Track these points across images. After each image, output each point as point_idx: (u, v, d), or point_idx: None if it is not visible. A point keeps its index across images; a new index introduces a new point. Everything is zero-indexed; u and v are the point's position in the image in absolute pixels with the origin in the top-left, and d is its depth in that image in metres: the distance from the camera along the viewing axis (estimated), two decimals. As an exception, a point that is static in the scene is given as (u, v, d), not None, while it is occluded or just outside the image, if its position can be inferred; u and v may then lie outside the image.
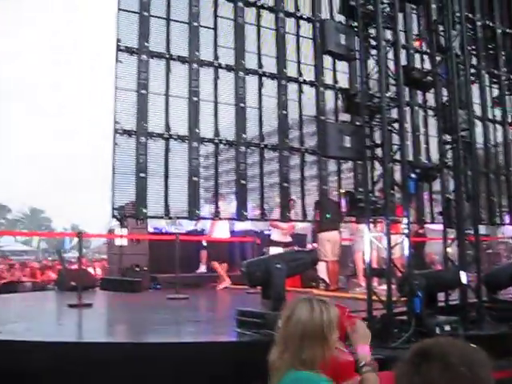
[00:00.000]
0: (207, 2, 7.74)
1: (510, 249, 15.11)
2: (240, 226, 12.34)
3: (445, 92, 8.13)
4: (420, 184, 8.16)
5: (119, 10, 7.10)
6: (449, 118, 7.76)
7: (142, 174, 6.88)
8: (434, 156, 8.79)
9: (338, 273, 10.83)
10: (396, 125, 6.85)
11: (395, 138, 6.86)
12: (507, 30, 10.37)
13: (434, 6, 8.07)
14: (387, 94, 6.88)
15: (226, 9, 7.85)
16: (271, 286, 6.14)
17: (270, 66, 7.94)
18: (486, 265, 11.87)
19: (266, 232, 11.90)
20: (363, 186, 6.93)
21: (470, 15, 9.60)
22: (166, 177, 7.08)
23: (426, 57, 9.22)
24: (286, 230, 11.00)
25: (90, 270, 15.29)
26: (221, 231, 11.09)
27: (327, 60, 8.20)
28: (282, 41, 8.10)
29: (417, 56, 9.29)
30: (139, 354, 5.15)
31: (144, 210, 6.93)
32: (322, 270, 10.44)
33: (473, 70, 9.34)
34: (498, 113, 10.37)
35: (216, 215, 7.47)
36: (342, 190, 7.86)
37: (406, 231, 6.63)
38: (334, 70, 8.39)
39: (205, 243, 11.52)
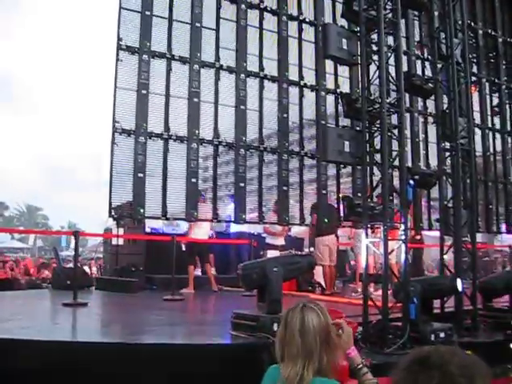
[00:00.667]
0: (210, 3, 7.74)
1: (507, 257, 15.11)
2: (236, 228, 12.29)
3: (445, 99, 8.14)
4: (418, 191, 8.17)
5: (121, 8, 7.10)
6: (448, 126, 7.77)
7: (141, 174, 6.88)
8: (433, 163, 8.80)
9: (335, 277, 10.82)
10: (396, 131, 6.84)
11: (395, 144, 6.85)
12: (508, 39, 10.40)
13: (436, 13, 8.09)
14: (388, 100, 6.88)
15: (229, 10, 7.86)
16: (267, 289, 6.11)
17: (272, 68, 7.95)
18: (481, 272, 11.89)
19: (264, 235, 11.87)
20: (362, 191, 6.94)
21: (472, 23, 9.64)
22: (165, 177, 7.07)
23: (427, 63, 9.24)
24: (278, 234, 10.98)
25: (86, 269, 15.24)
26: (199, 233, 10.83)
27: (329, 64, 8.20)
28: (284, 44, 8.11)
29: (418, 63, 9.31)
30: (133, 355, 5.13)
31: (141, 210, 6.92)
32: (318, 274, 10.43)
33: (473, 78, 9.36)
34: (497, 121, 10.40)
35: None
36: (341, 195, 7.86)
37: (404, 237, 6.62)
38: (336, 75, 8.40)
39: (183, 247, 11.22)
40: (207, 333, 6.65)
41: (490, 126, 10.21)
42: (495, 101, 10.50)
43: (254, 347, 5.18)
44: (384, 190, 6.61)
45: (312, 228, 10.51)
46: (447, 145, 7.91)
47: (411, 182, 6.77)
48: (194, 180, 7.07)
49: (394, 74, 7.21)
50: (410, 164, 8.20)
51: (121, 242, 12.49)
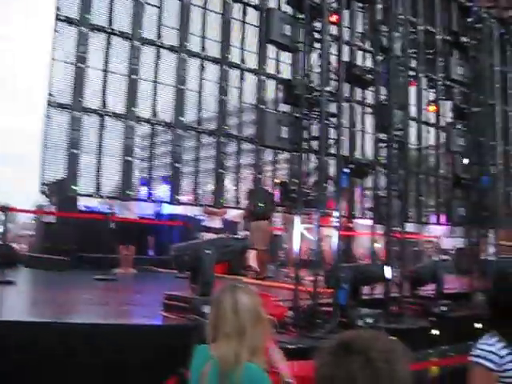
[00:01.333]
0: (154, -20, 7.59)
1: (434, 247, 15.63)
2: (170, 209, 12.15)
3: (383, 91, 8.29)
4: (353, 179, 8.32)
5: (60, -22, 6.86)
6: (385, 117, 7.92)
7: (75, 150, 6.70)
8: (369, 153, 8.97)
9: (268, 262, 10.89)
10: (334, 119, 6.92)
11: (332, 133, 6.93)
12: (446, 37, 10.66)
13: (379, 6, 8.20)
14: (327, 88, 6.94)
15: (173, -12, 7.71)
16: (200, 272, 6.10)
17: (214, 50, 7.87)
18: (410, 262, 12.26)
19: (199, 217, 11.80)
20: (297, 177, 6.99)
21: (414, 19, 9.84)
22: (99, 155, 6.92)
23: (368, 55, 9.37)
24: (218, 214, 10.93)
25: (15, 246, 14.76)
26: (128, 212, 10.58)
27: (271, 50, 8.19)
28: (227, 26, 8.05)
29: (359, 54, 9.43)
30: (61, 334, 5.02)
31: (74, 188, 6.75)
32: (251, 258, 10.46)
33: (412, 73, 9.57)
34: (432, 116, 10.69)
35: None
36: (277, 180, 7.90)
37: (336, 224, 6.73)
38: (277, 60, 8.39)
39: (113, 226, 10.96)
40: (138, 313, 6.59)
41: (424, 120, 10.48)
42: (431, 96, 10.77)
43: (185, 329, 5.17)
44: (319, 177, 6.69)
45: (247, 212, 10.53)
46: (383, 136, 8.08)
47: (346, 170, 6.89)
48: (129, 158, 6.94)
49: (335, 63, 7.30)
50: (346, 153, 8.32)
51: (53, 219, 12.16)
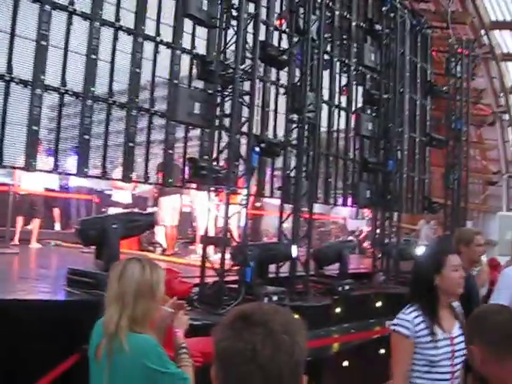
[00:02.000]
0: None
1: (341, 228, 16.10)
2: (78, 182, 11.79)
3: (298, 73, 8.40)
4: (263, 159, 8.41)
5: None
6: (298, 99, 8.03)
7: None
8: (281, 134, 9.06)
9: (176, 238, 10.86)
10: (247, 98, 6.95)
11: (245, 111, 6.96)
12: (361, 24, 10.89)
13: (298, -13, 8.26)
14: (242, 66, 6.95)
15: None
16: (105, 246, 6.01)
17: (128, 20, 7.63)
18: (317, 241, 12.60)
19: (108, 192, 11.54)
20: (208, 154, 6.98)
21: (330, 3, 9.96)
22: (3, 123, 6.57)
23: (284, 36, 9.41)
24: (126, 189, 10.72)
25: None
26: (30, 183, 10.13)
27: (188, 24, 8.04)
28: (144, -3, 7.82)
29: (276, 34, 9.45)
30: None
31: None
32: (160, 234, 10.40)
33: (326, 57, 9.73)
34: (344, 100, 10.93)
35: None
36: (187, 157, 7.84)
37: (244, 202, 6.79)
38: (194, 35, 8.27)
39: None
40: (40, 288, 6.40)
41: (336, 103, 10.70)
42: (344, 81, 10.99)
43: (89, 304, 5.07)
44: (230, 155, 6.71)
45: (156, 187, 10.43)
46: (295, 117, 8.20)
47: (257, 149, 6.95)
48: (35, 128, 6.64)
49: (251, 42, 7.30)
50: (258, 132, 8.38)
51: None
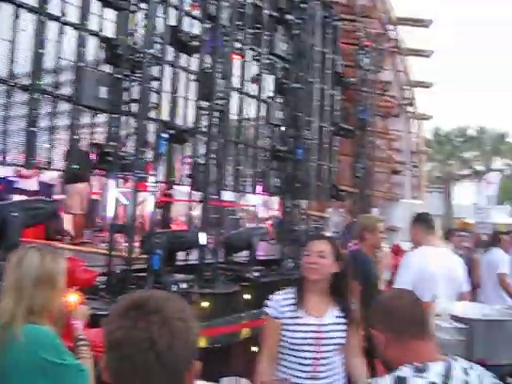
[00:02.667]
0: None
1: (250, 216, 16.21)
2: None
3: (208, 59, 8.34)
4: (173, 145, 8.32)
5: None
6: (208, 85, 7.98)
7: None
8: (190, 120, 8.99)
9: (84, 226, 10.58)
10: (156, 83, 6.83)
11: (153, 97, 6.84)
12: (273, 13, 10.94)
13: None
14: (151, 51, 6.82)
15: None
16: (4, 235, 5.75)
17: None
18: (226, 229, 12.61)
19: (11, 179, 11.03)
20: (115, 140, 6.80)
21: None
22: None
23: (196, 22, 9.32)
24: (30, 176, 10.30)
25: None
26: None
27: (95, 4, 7.76)
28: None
29: (187, 20, 9.34)
30: None
31: None
32: (67, 222, 10.08)
33: (237, 44, 9.74)
34: (254, 88, 10.99)
35: None
36: (93, 142, 7.62)
37: (153, 189, 6.70)
38: (101, 17, 8.01)
39: None
40: None
41: (247, 92, 10.73)
42: (255, 69, 11.04)
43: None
44: (137, 141, 6.59)
45: (63, 174, 10.08)
46: (205, 104, 8.15)
47: (165, 135, 6.86)
48: None
49: (161, 26, 7.18)
50: (166, 118, 8.27)
51: None
